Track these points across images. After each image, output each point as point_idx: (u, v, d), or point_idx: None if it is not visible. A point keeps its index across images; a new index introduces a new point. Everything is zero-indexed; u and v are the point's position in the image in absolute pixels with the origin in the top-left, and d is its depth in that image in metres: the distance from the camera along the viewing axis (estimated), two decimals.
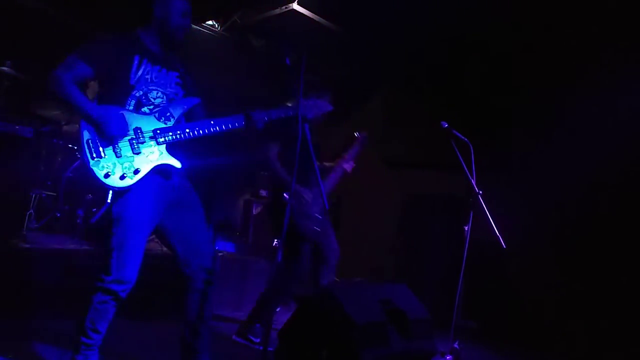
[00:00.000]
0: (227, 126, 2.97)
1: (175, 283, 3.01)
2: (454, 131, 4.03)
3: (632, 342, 4.65)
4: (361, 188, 7.26)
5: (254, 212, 6.01)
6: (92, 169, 2.66)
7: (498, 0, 5.08)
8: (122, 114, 2.81)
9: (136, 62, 2.90)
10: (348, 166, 4.61)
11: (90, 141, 2.70)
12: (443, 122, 4.02)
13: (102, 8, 6.44)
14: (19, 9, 6.23)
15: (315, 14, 6.07)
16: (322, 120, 3.30)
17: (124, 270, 2.73)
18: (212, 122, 2.95)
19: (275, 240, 5.90)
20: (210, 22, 6.54)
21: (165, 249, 3.44)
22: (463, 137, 4.09)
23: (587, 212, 5.06)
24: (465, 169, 4.00)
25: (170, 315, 3.93)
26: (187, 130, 2.92)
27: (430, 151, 5.06)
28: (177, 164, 2.92)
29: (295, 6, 5.88)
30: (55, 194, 5.13)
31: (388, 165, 7.21)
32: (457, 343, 4.14)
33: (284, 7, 5.93)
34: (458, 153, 4.06)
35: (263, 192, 6.20)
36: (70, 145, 5.38)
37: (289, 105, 3.14)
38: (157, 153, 2.85)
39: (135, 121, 2.84)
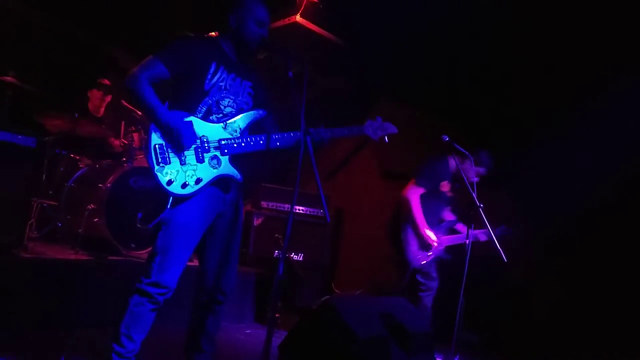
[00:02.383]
0: (290, 141, 2.96)
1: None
2: (455, 144, 4.04)
3: (635, 352, 4.63)
4: (362, 201, 7.28)
5: (255, 223, 6.01)
6: (156, 174, 2.68)
7: (497, 13, 5.11)
8: (191, 122, 2.80)
9: (213, 68, 2.87)
10: (481, 236, 4.65)
11: (157, 147, 2.71)
12: (444, 136, 4.03)
13: (104, 19, 6.49)
14: (22, 19, 6.27)
15: (318, 26, 6.11)
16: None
17: (164, 274, 2.71)
18: (276, 136, 2.94)
19: (276, 251, 5.91)
20: (213, 34, 6.56)
21: None
22: (464, 151, 4.10)
23: (588, 225, 5.06)
24: (467, 182, 4.01)
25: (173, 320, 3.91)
26: (252, 142, 2.92)
27: None
28: (237, 175, 2.93)
29: (298, 19, 5.91)
30: (56, 203, 5.14)
31: (388, 178, 7.21)
32: (458, 357, 4.13)
33: (286, 20, 5.97)
34: (459, 166, 4.07)
35: (264, 204, 6.20)
36: (72, 155, 5.40)
37: (356, 125, 3.16)
38: (220, 163, 2.86)
39: (202, 129, 2.83)
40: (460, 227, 4.89)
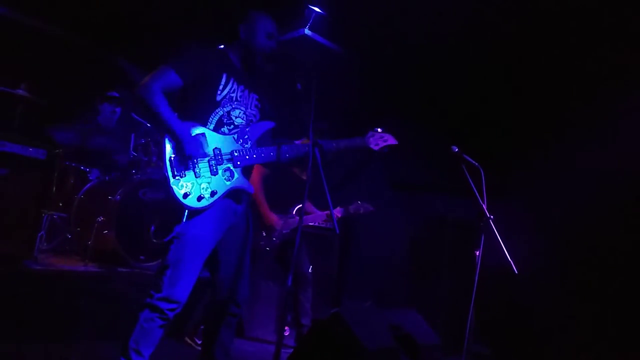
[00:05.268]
0: (299, 153, 2.99)
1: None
2: (465, 155, 4.02)
3: None
4: (371, 212, 7.24)
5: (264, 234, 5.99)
6: (171, 187, 2.66)
7: (503, 25, 5.11)
8: (204, 134, 2.79)
9: (224, 79, 2.89)
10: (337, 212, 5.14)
11: (173, 159, 2.69)
12: (454, 147, 4.01)
13: (114, 32, 6.54)
14: (33, 33, 6.34)
15: (326, 39, 6.13)
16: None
17: (175, 288, 2.69)
18: (285, 147, 2.96)
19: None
20: (222, 47, 6.60)
21: None
22: (474, 162, 4.08)
23: (599, 237, 5.01)
24: (477, 193, 3.98)
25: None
26: (263, 154, 2.93)
27: (441, 175, 5.06)
28: (250, 188, 2.94)
29: (306, 31, 5.94)
30: (66, 215, 5.16)
31: (398, 189, 7.19)
32: None
33: (295, 33, 6.00)
34: (469, 177, 4.06)
35: None
36: (82, 168, 5.43)
37: (358, 137, 3.20)
38: (233, 175, 2.86)
39: (215, 141, 2.84)
40: (310, 207, 5.17)
